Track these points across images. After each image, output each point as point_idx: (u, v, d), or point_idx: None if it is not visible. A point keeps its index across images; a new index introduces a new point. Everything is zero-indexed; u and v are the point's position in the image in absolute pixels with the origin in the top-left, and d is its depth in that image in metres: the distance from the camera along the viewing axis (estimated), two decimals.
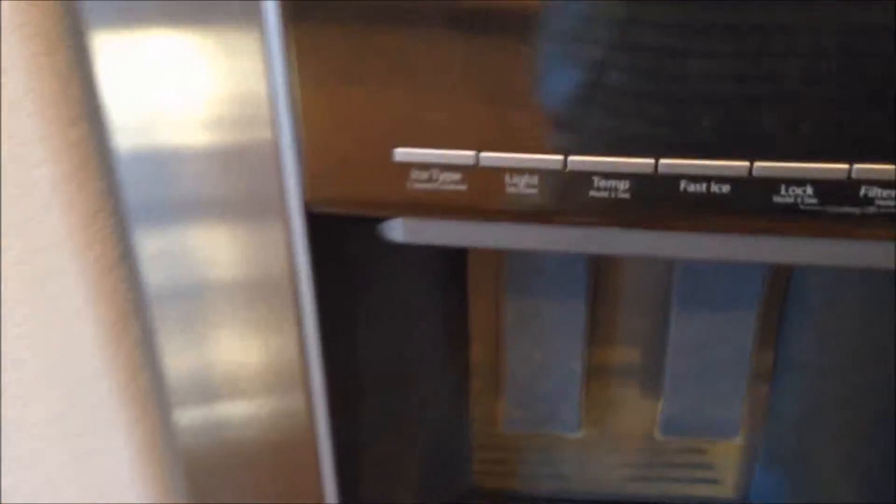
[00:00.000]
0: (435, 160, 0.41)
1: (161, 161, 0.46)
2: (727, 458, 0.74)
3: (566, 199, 0.41)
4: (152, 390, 0.55)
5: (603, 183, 0.40)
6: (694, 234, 0.42)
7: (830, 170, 0.38)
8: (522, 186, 0.41)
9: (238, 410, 0.53)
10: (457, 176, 0.41)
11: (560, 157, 0.40)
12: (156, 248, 0.48)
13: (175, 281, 0.49)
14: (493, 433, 0.74)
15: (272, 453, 0.54)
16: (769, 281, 0.62)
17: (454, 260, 0.63)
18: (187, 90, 0.44)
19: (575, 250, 0.43)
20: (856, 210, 0.39)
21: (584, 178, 0.40)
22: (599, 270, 0.63)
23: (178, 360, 0.52)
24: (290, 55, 0.40)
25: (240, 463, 0.55)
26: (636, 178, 0.40)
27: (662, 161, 0.39)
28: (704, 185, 0.39)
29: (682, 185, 0.40)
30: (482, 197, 0.41)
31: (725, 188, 0.39)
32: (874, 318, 0.59)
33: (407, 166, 0.41)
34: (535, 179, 0.41)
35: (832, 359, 0.64)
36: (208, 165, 0.45)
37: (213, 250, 0.47)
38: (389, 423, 0.63)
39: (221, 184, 0.46)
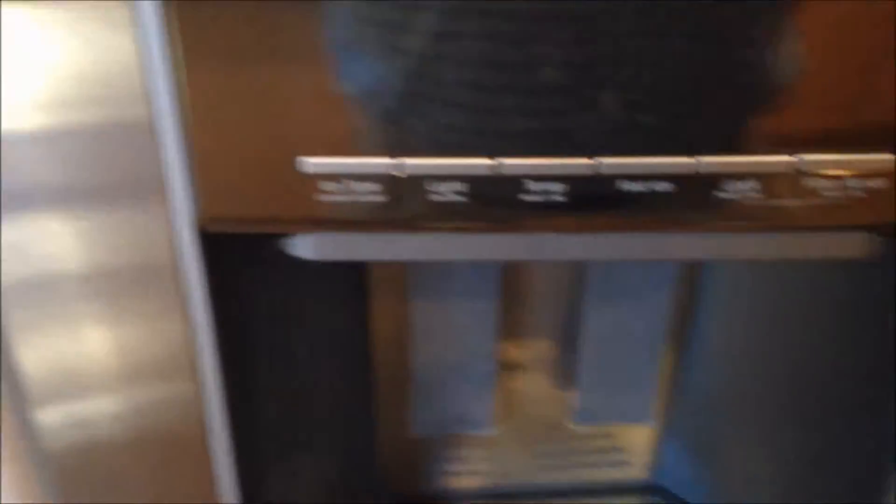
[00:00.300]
0: (350, 170, 0.36)
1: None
2: (637, 440, 0.73)
3: (496, 206, 0.37)
4: (7, 389, 0.48)
5: (536, 186, 0.36)
6: (637, 234, 0.39)
7: (776, 163, 0.36)
8: (448, 194, 0.37)
9: (109, 406, 0.47)
10: (374, 186, 0.36)
11: (491, 161, 0.36)
12: (10, 238, 0.40)
13: (29, 273, 0.42)
14: (402, 436, 0.70)
15: (153, 449, 0.48)
16: (681, 270, 0.61)
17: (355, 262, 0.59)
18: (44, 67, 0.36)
19: (502, 258, 0.39)
20: (799, 202, 0.37)
21: (516, 182, 0.36)
22: (510, 266, 0.60)
23: (39, 355, 0.45)
24: (173, 48, 0.33)
25: (114, 461, 0.49)
26: (573, 180, 0.36)
27: (604, 161, 0.36)
28: (646, 185, 0.36)
29: (624, 185, 0.36)
30: (403, 208, 0.37)
31: (668, 186, 0.36)
32: (779, 306, 0.59)
33: (314, 178, 0.36)
34: (462, 186, 0.36)
35: (740, 344, 0.63)
36: (66, 148, 0.38)
37: (75, 239, 0.40)
38: (290, 427, 0.58)
39: (84, 168, 0.38)
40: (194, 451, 0.47)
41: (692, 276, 0.63)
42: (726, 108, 0.35)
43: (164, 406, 0.46)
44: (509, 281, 0.60)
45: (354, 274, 0.61)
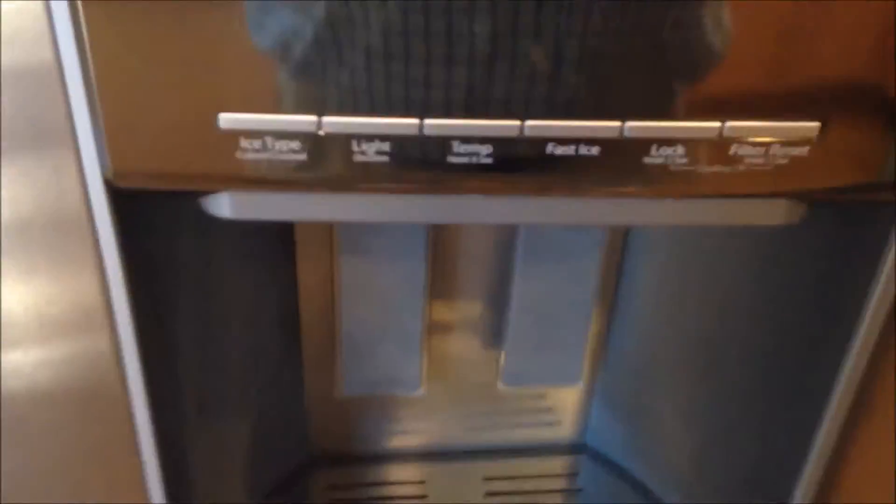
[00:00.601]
0: (269, 126, 0.34)
1: None
2: (567, 401, 0.74)
3: (421, 167, 0.36)
4: None
5: (463, 148, 0.36)
6: (562, 198, 0.38)
7: (702, 129, 0.36)
8: (372, 154, 0.35)
9: (24, 359, 0.45)
10: (295, 144, 0.35)
11: (416, 121, 0.35)
12: None
13: None
14: (330, 397, 0.69)
15: (71, 403, 0.47)
16: (610, 234, 0.61)
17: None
18: None
19: (428, 220, 0.39)
20: (725, 169, 0.37)
21: (443, 143, 0.35)
22: (439, 226, 0.59)
23: None
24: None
25: (31, 414, 0.47)
26: (500, 142, 0.35)
27: (528, 123, 0.35)
28: (573, 148, 0.36)
29: (550, 148, 0.36)
30: (324, 167, 0.36)
31: (595, 150, 0.36)
32: (704, 272, 0.60)
33: (235, 134, 0.35)
34: (386, 146, 0.35)
35: (665, 309, 0.64)
36: None
37: None
38: (211, 385, 0.57)
39: None
40: (113, 405, 0.46)
41: (621, 240, 0.63)
42: (653, 74, 0.34)
43: (80, 359, 0.44)
44: (438, 241, 0.60)
45: (282, 232, 0.60)
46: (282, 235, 0.60)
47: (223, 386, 0.58)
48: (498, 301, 0.65)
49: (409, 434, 0.74)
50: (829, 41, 0.34)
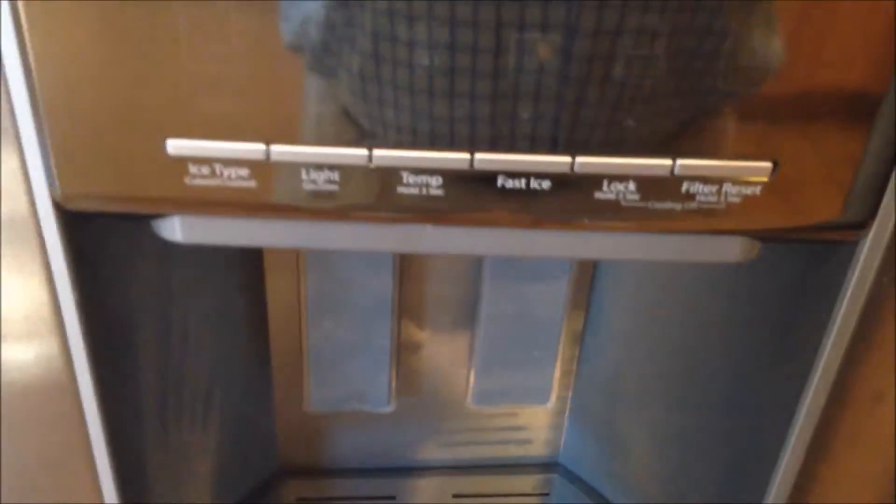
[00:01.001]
0: (217, 154, 0.34)
1: None
2: (539, 420, 0.74)
3: (372, 197, 0.36)
4: None
5: (413, 179, 0.35)
6: (512, 230, 0.38)
7: (654, 166, 0.35)
8: (322, 182, 0.35)
9: None
10: (244, 171, 0.35)
11: (364, 152, 0.34)
12: None
13: None
14: (299, 412, 0.69)
15: (19, 409, 0.46)
16: None
17: None
18: None
19: (383, 250, 0.38)
20: (677, 206, 0.37)
21: (393, 173, 0.35)
22: None
23: None
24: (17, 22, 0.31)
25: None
26: (450, 174, 0.35)
27: (479, 156, 0.35)
28: (524, 181, 0.36)
29: (501, 181, 0.36)
30: (274, 194, 0.36)
31: (546, 184, 0.36)
32: (673, 295, 0.59)
33: (183, 160, 0.35)
34: (336, 175, 0.35)
35: (638, 325, 0.64)
36: None
37: None
38: (177, 407, 0.56)
39: None
40: (69, 426, 0.46)
41: (591, 262, 0.63)
42: (604, 108, 0.34)
43: (34, 364, 0.44)
44: (406, 259, 0.60)
45: (248, 249, 0.60)
46: (251, 250, 0.60)
47: (186, 399, 0.57)
48: (467, 320, 0.64)
49: (380, 449, 0.74)
50: (783, 80, 0.34)
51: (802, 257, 0.44)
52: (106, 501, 0.47)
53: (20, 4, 0.31)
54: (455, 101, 0.34)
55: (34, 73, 0.33)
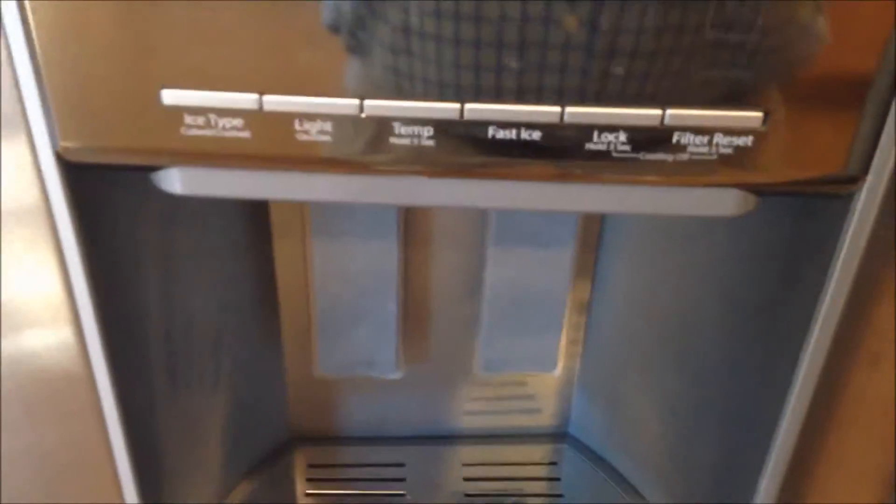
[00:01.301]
0: (211, 103, 0.35)
1: None
2: (548, 389, 0.74)
3: (364, 147, 0.36)
4: None
5: (404, 129, 0.36)
6: (504, 182, 0.38)
7: (643, 116, 0.36)
8: (314, 133, 0.36)
9: None
10: (238, 121, 0.36)
11: (356, 102, 0.35)
12: None
13: None
14: (309, 378, 0.70)
15: (36, 396, 0.47)
16: (583, 219, 0.61)
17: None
18: None
19: (376, 202, 0.39)
20: (669, 157, 0.37)
21: (384, 123, 0.36)
22: (411, 209, 0.59)
23: None
24: None
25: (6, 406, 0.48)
26: (441, 124, 0.36)
27: (469, 106, 0.35)
28: (514, 132, 0.36)
29: (491, 131, 0.36)
30: (269, 145, 0.36)
31: (536, 135, 0.36)
32: (686, 252, 0.59)
33: (179, 111, 0.35)
34: (328, 125, 0.36)
35: (642, 292, 0.64)
36: None
37: None
38: (182, 365, 0.57)
39: None
40: (83, 394, 0.47)
41: (596, 228, 0.63)
42: (594, 58, 0.34)
43: (45, 352, 0.45)
44: (410, 224, 0.60)
45: (258, 211, 0.60)
46: (258, 214, 0.61)
47: (195, 362, 0.59)
48: (473, 286, 0.65)
49: (389, 417, 0.75)
50: (773, 32, 0.34)
51: (799, 211, 0.44)
52: (121, 474, 0.48)
53: None
54: (444, 48, 0.34)
55: (31, 25, 0.33)
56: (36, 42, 0.34)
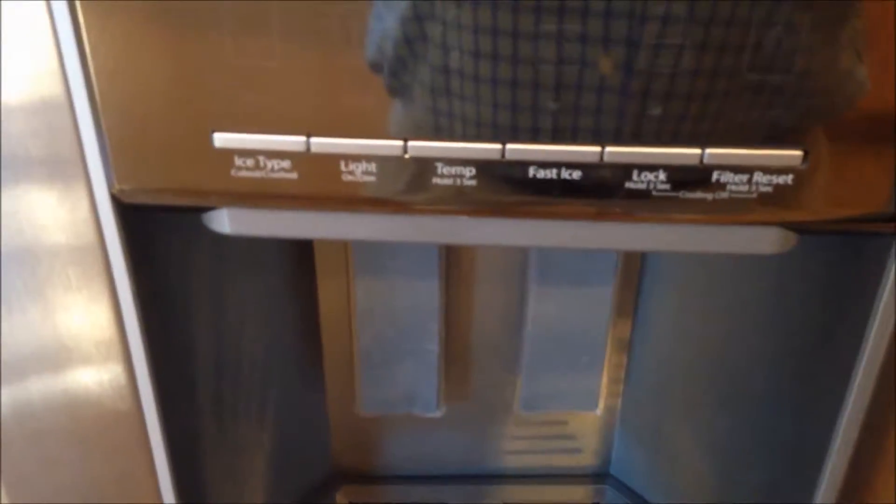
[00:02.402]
0: (260, 146, 0.36)
1: None
2: (588, 427, 0.74)
3: (408, 187, 0.37)
4: None
5: (447, 170, 0.37)
6: (544, 221, 0.39)
7: (682, 155, 0.36)
8: (359, 174, 0.37)
9: (42, 389, 0.47)
10: (286, 163, 0.37)
11: (399, 143, 0.36)
12: None
13: None
14: (351, 415, 0.71)
15: (89, 431, 0.49)
16: (624, 258, 0.61)
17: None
18: None
19: (420, 240, 0.40)
20: (709, 195, 0.37)
21: (427, 164, 0.37)
22: (452, 248, 0.60)
23: None
24: (75, 16, 0.34)
25: (50, 443, 0.49)
26: (482, 165, 0.37)
27: (510, 146, 0.36)
28: (555, 172, 0.37)
29: (532, 171, 0.37)
30: (315, 185, 0.37)
31: (576, 174, 0.37)
32: (729, 289, 0.59)
33: (229, 153, 0.37)
34: (372, 166, 0.37)
35: (683, 331, 0.64)
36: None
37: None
38: (229, 402, 0.58)
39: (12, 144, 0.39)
40: (132, 430, 0.48)
41: (637, 266, 0.63)
42: (633, 97, 0.35)
43: (98, 388, 0.46)
44: (452, 263, 0.61)
45: (302, 249, 0.62)
46: (304, 253, 0.62)
47: (242, 400, 0.60)
48: (514, 324, 0.65)
49: (431, 455, 0.75)
50: (813, 71, 0.35)
51: (843, 247, 0.44)
52: (164, 501, 0.49)
53: (78, 6, 0.33)
54: (482, 89, 0.35)
55: (92, 75, 0.35)
56: (96, 91, 0.35)
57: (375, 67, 0.35)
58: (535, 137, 0.36)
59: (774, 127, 0.36)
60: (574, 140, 0.36)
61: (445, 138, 0.36)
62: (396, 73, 0.35)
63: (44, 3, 0.34)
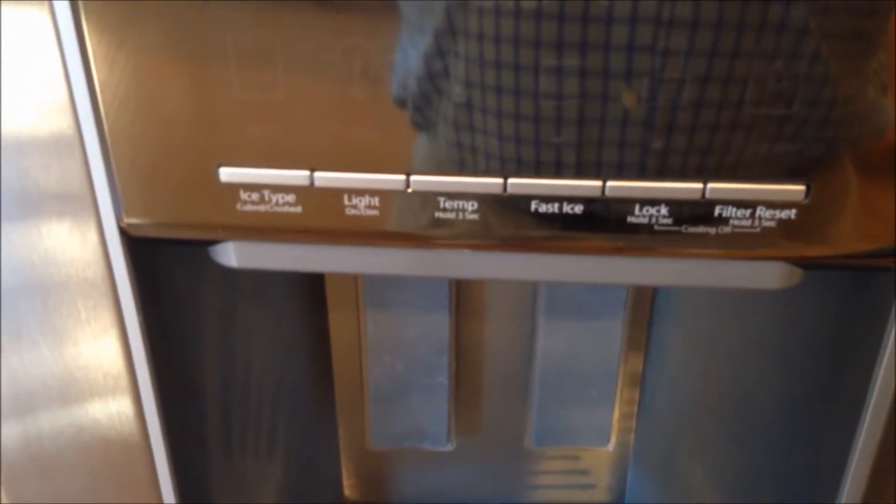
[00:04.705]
0: (265, 180, 0.37)
1: None
2: (601, 463, 0.73)
3: (411, 221, 0.38)
4: None
5: (449, 204, 0.37)
6: (547, 255, 0.39)
7: (684, 189, 0.36)
8: (363, 208, 0.37)
9: (52, 422, 0.47)
10: (290, 197, 0.37)
11: (402, 177, 0.36)
12: None
13: None
14: (362, 448, 0.71)
15: (98, 463, 0.49)
16: (634, 292, 0.61)
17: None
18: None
19: (424, 274, 0.40)
20: (711, 230, 0.37)
21: (430, 198, 0.37)
22: (462, 281, 0.60)
23: None
24: (84, 54, 0.34)
25: (59, 475, 0.49)
26: (485, 199, 0.37)
27: (512, 181, 0.36)
28: (556, 206, 0.37)
29: (534, 205, 0.37)
30: (319, 219, 0.38)
31: (578, 208, 0.37)
32: (740, 323, 0.59)
33: (235, 187, 0.37)
34: (376, 200, 0.37)
35: (695, 366, 0.63)
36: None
37: (9, 252, 0.41)
38: (241, 441, 0.58)
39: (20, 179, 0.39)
40: (140, 463, 0.48)
41: (648, 300, 0.63)
42: (636, 132, 0.35)
43: (106, 420, 0.47)
44: (462, 297, 0.61)
45: (314, 282, 0.62)
46: (314, 286, 0.62)
47: (251, 433, 0.60)
48: (524, 358, 0.65)
49: (442, 489, 0.75)
50: (817, 102, 0.35)
51: (853, 281, 0.44)
52: None
53: (88, 42, 0.34)
54: (483, 129, 0.35)
55: (102, 112, 0.36)
56: (105, 126, 0.36)
57: (400, 103, 0.35)
58: (536, 171, 0.36)
59: (779, 161, 0.36)
60: (574, 174, 0.36)
61: (467, 173, 0.36)
62: (419, 108, 0.35)
63: (54, 38, 0.35)
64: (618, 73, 0.33)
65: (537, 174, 0.36)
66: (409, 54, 0.34)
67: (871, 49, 0.33)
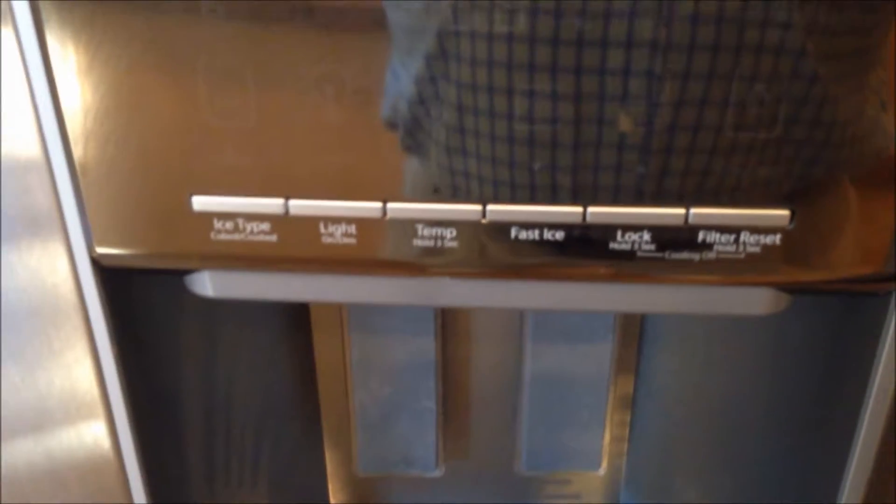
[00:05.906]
0: (239, 209, 0.36)
1: None
2: (593, 487, 0.72)
3: (388, 249, 0.37)
4: None
5: (427, 231, 0.36)
6: (530, 283, 0.38)
7: (666, 215, 0.35)
8: (339, 236, 0.36)
9: (24, 448, 0.46)
10: (265, 225, 0.36)
11: (378, 205, 0.36)
12: None
13: None
14: (349, 474, 0.69)
15: (72, 488, 0.47)
16: (623, 316, 0.60)
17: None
18: None
19: (403, 303, 0.39)
20: (695, 256, 0.36)
21: (407, 226, 0.36)
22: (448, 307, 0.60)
23: None
24: (50, 77, 0.34)
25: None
26: (463, 226, 0.36)
27: (490, 207, 0.35)
28: (537, 232, 0.36)
29: (514, 232, 0.36)
30: (295, 248, 0.37)
31: (559, 235, 0.36)
32: (732, 344, 0.58)
33: (208, 216, 0.36)
34: (352, 228, 0.36)
35: (689, 387, 0.62)
36: None
37: None
38: (225, 470, 0.57)
39: None
40: (117, 494, 0.47)
41: (637, 324, 0.62)
42: (617, 158, 0.35)
43: (81, 450, 0.46)
44: (447, 319, 0.60)
45: (295, 305, 0.61)
46: (298, 311, 0.61)
47: (234, 461, 0.58)
48: (512, 382, 0.64)
49: None
50: (801, 126, 0.34)
51: (842, 304, 0.43)
52: None
53: (55, 69, 0.33)
54: (464, 155, 0.35)
55: (71, 142, 0.35)
56: (75, 158, 0.35)
57: (391, 126, 0.34)
58: (514, 198, 0.35)
59: (762, 186, 0.35)
60: (554, 200, 0.35)
61: (459, 196, 0.35)
62: (411, 132, 0.34)
63: (21, 66, 0.34)
64: (614, 97, 0.33)
65: (531, 199, 0.35)
66: (400, 77, 0.33)
67: (868, 69, 0.33)
